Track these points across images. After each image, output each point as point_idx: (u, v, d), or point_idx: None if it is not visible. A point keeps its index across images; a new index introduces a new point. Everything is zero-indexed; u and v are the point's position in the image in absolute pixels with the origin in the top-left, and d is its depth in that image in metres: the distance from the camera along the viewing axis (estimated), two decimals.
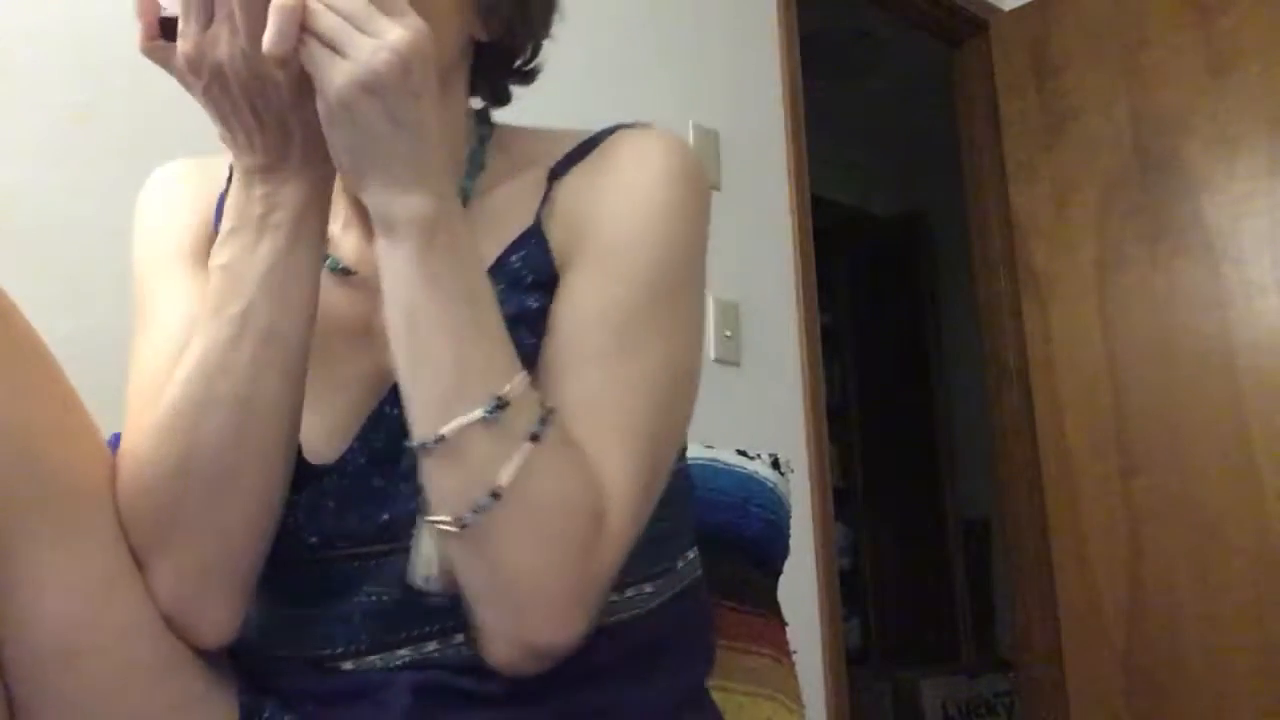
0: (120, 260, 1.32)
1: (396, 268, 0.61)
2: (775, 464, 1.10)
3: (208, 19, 0.60)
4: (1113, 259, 2.49)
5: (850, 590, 3.23)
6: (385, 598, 0.67)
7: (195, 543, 0.63)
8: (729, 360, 2.06)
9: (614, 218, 0.70)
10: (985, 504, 3.69)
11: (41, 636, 0.60)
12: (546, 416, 0.61)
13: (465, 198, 0.74)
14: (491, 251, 0.71)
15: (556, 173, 0.74)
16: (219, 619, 0.65)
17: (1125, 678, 2.35)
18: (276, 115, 0.61)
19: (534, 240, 0.71)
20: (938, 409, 4.31)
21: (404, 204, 0.60)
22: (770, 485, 1.07)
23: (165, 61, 0.63)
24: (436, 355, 0.60)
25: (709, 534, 1.01)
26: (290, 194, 0.63)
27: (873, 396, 4.25)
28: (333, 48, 0.57)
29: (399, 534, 0.67)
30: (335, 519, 0.68)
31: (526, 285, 0.70)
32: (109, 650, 0.62)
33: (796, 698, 0.98)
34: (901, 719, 3.56)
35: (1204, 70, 2.41)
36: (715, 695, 0.82)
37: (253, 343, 0.62)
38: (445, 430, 0.59)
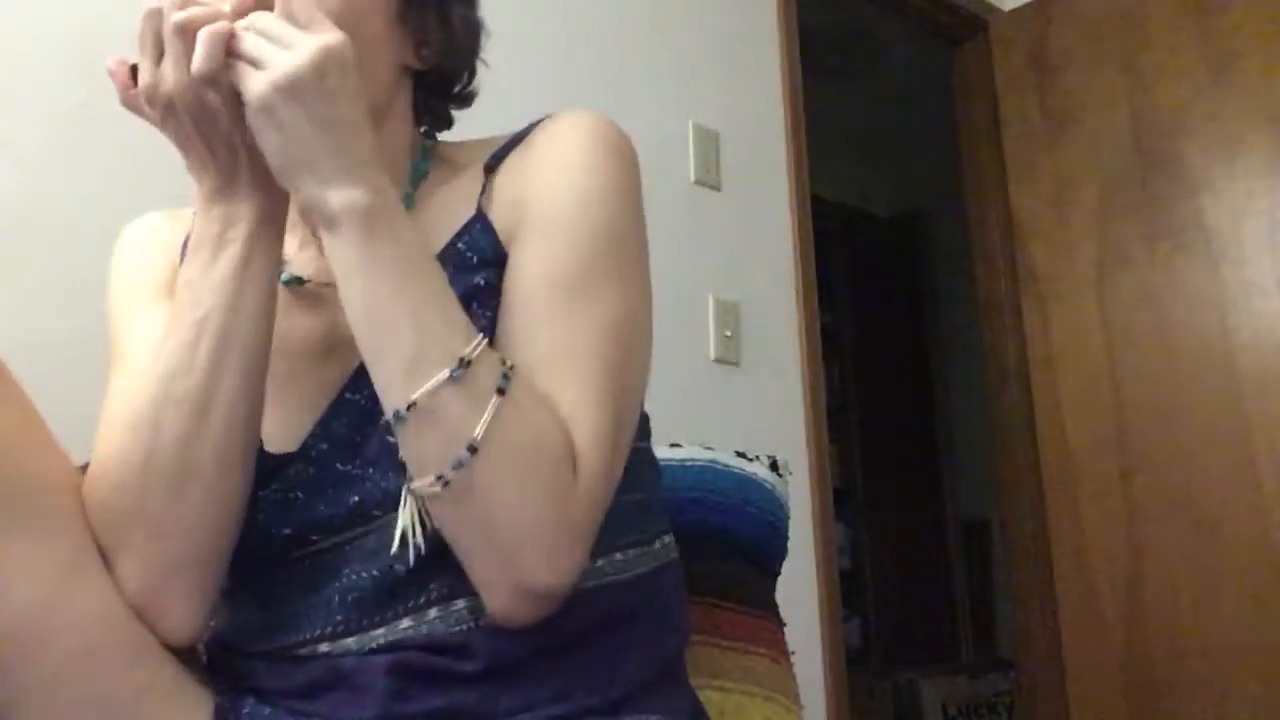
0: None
1: (343, 258, 0.65)
2: (774, 466, 1.10)
3: (158, 55, 0.66)
4: (1113, 259, 2.49)
5: (850, 590, 3.23)
6: (361, 575, 0.70)
7: (159, 539, 0.66)
8: (729, 360, 2.06)
9: (546, 188, 0.75)
10: (985, 504, 3.69)
11: (5, 620, 0.62)
12: (508, 372, 0.65)
13: (409, 204, 0.79)
14: (437, 244, 0.76)
15: (491, 166, 0.79)
16: (184, 615, 0.68)
17: (1125, 678, 2.35)
18: (224, 139, 0.67)
19: (477, 225, 0.76)
20: (938, 409, 4.31)
21: (336, 197, 0.64)
22: (769, 487, 1.08)
23: (139, 111, 0.68)
24: (396, 330, 0.64)
25: (708, 535, 1.01)
26: (244, 212, 0.68)
27: (873, 396, 4.25)
28: (252, 63, 0.63)
29: (370, 514, 0.70)
30: (305, 509, 0.71)
31: (473, 265, 0.74)
32: (72, 636, 0.64)
33: (795, 698, 0.98)
34: (901, 719, 3.56)
35: (1204, 70, 2.41)
36: (714, 695, 0.82)
37: (209, 345, 0.66)
38: (416, 396, 0.63)
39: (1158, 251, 2.42)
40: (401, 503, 0.67)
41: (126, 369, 0.75)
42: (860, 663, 3.70)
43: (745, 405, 2.06)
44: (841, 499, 3.42)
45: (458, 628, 0.68)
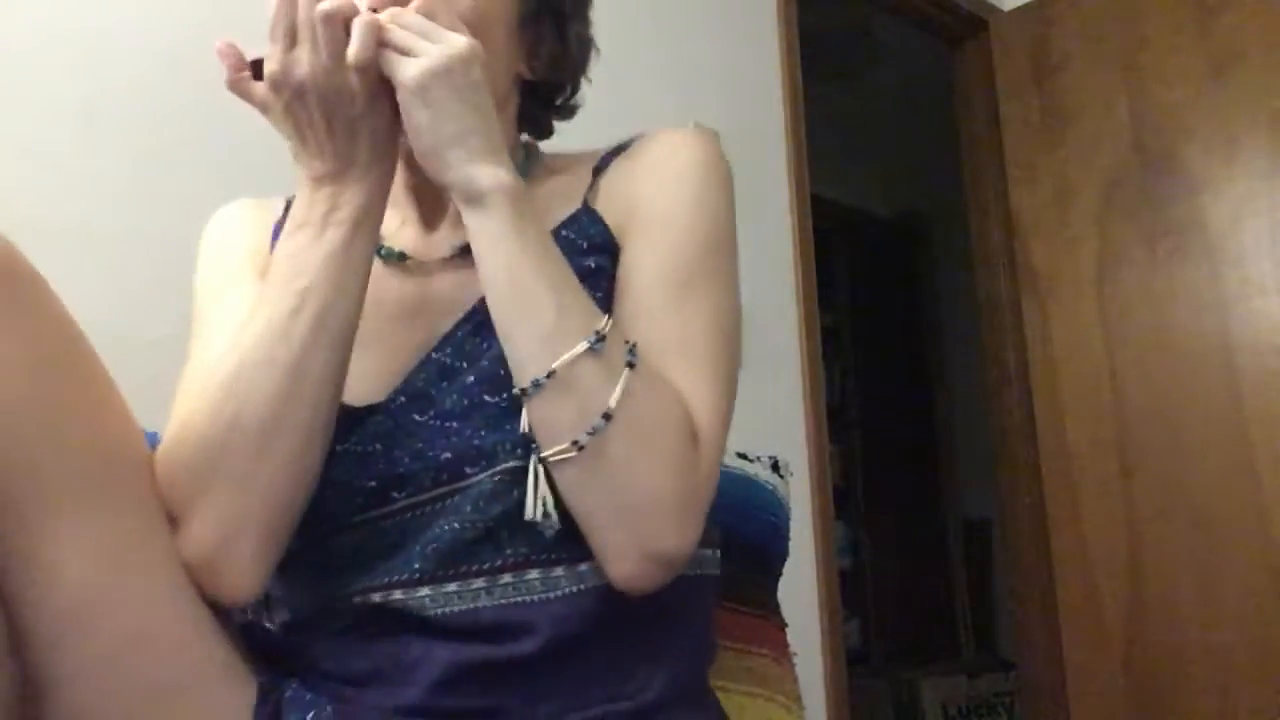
0: (120, 260, 1.32)
1: (491, 231, 0.70)
2: (775, 466, 1.10)
3: (291, 42, 0.69)
4: (1113, 259, 2.49)
5: (850, 590, 3.23)
6: (447, 528, 0.72)
7: (238, 494, 0.68)
8: None
9: (661, 191, 0.80)
10: (985, 504, 3.69)
11: (59, 601, 0.63)
12: (633, 348, 0.70)
13: None
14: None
15: (599, 168, 0.85)
16: (247, 573, 0.69)
17: (1125, 678, 2.36)
18: (347, 123, 0.70)
19: (584, 216, 0.81)
20: (938, 409, 4.31)
21: (487, 174, 0.69)
22: (770, 488, 1.08)
23: (246, 94, 0.72)
24: (538, 302, 0.69)
25: None
26: (352, 196, 0.72)
27: (873, 396, 4.25)
28: (404, 53, 0.68)
29: (462, 472, 0.72)
30: (386, 462, 0.74)
31: (582, 249, 0.78)
32: (127, 617, 0.65)
33: (796, 698, 0.98)
34: (901, 719, 3.56)
35: (1204, 70, 2.41)
36: (716, 696, 0.81)
37: (309, 315, 0.70)
38: (556, 365, 0.67)
39: (1158, 251, 2.42)
40: (532, 471, 0.69)
41: (212, 339, 0.78)
42: (860, 663, 3.70)
43: (745, 405, 2.05)
44: (841, 499, 3.43)
45: (527, 598, 0.70)
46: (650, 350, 0.72)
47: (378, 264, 0.79)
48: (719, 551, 0.84)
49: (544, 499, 0.69)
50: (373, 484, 0.73)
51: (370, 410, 0.75)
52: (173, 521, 0.69)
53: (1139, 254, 2.45)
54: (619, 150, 0.86)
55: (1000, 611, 3.95)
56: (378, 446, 0.74)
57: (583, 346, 0.67)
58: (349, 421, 0.74)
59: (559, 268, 0.71)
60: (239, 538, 0.69)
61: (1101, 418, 2.45)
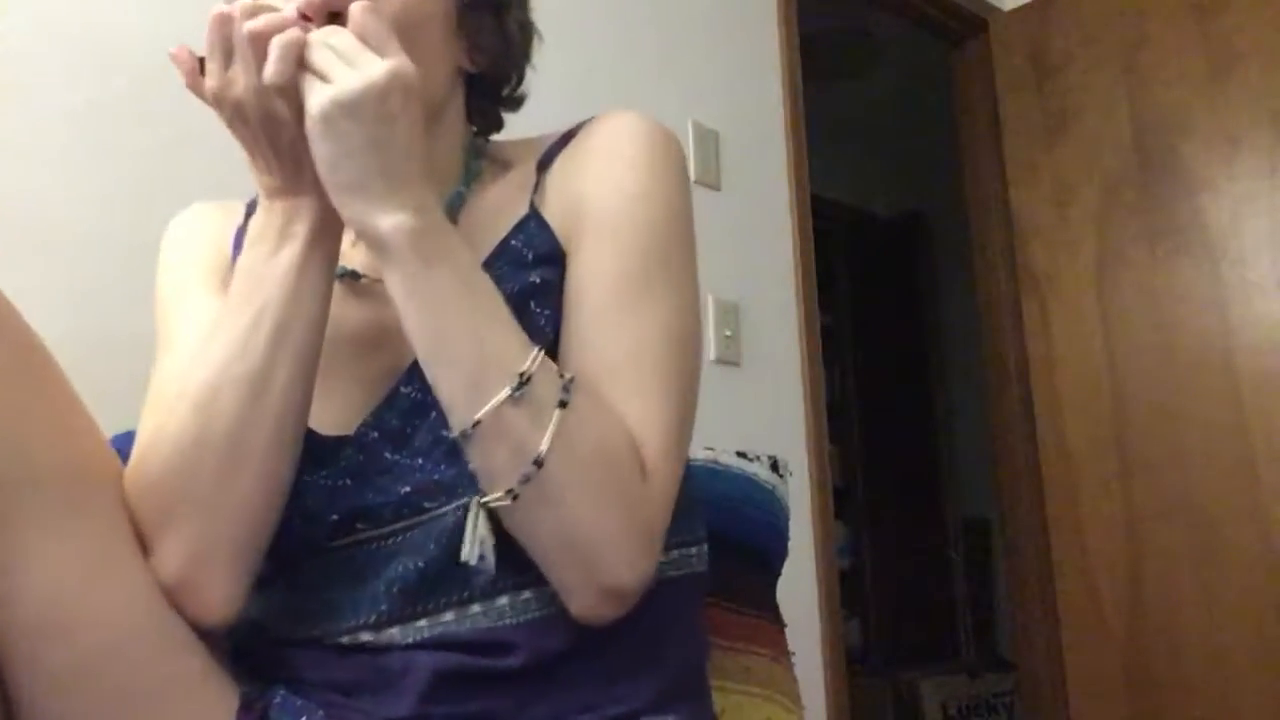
0: (119, 260, 1.32)
1: (397, 280, 0.67)
2: (774, 466, 1.10)
3: (227, 60, 0.67)
4: (1113, 259, 2.49)
5: (850, 590, 3.23)
6: (407, 566, 0.71)
7: (205, 517, 0.67)
8: (729, 360, 2.06)
9: (602, 191, 0.77)
10: (985, 504, 3.69)
11: (30, 611, 0.62)
12: (568, 384, 0.67)
13: (461, 202, 0.82)
14: (492, 240, 0.78)
15: (544, 164, 0.81)
16: (221, 596, 0.69)
17: (1125, 678, 2.36)
18: (288, 145, 0.68)
19: (532, 222, 0.78)
20: (938, 409, 4.31)
21: (386, 221, 0.66)
22: (769, 488, 1.07)
23: (205, 98, 0.70)
24: (454, 350, 0.66)
25: (708, 534, 1.01)
26: (307, 209, 0.70)
27: (873, 396, 4.25)
28: (320, 76, 0.65)
29: (420, 506, 0.72)
30: (355, 496, 0.73)
31: (528, 262, 0.76)
32: (99, 626, 0.64)
33: (795, 698, 0.98)
34: (901, 719, 3.56)
35: (1204, 70, 2.41)
36: (715, 696, 0.82)
37: (268, 331, 0.68)
38: (480, 415, 0.65)
39: (1158, 251, 2.42)
40: (471, 515, 0.68)
41: (176, 350, 0.77)
42: (860, 663, 3.70)
43: (745, 405, 2.06)
44: (841, 499, 3.42)
45: (500, 623, 0.70)
46: (600, 371, 0.70)
47: (335, 285, 0.77)
48: (704, 547, 0.83)
49: (481, 540, 0.67)
50: (335, 517, 0.73)
51: (341, 442, 0.74)
52: (143, 542, 0.68)
53: (1139, 254, 2.45)
54: (565, 140, 0.83)
55: (1000, 611, 3.95)
56: (347, 481, 0.74)
57: (505, 394, 0.65)
58: (320, 452, 0.73)
59: (479, 306, 0.68)
60: (210, 560, 0.68)
61: (1101, 418, 2.45)
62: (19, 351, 0.67)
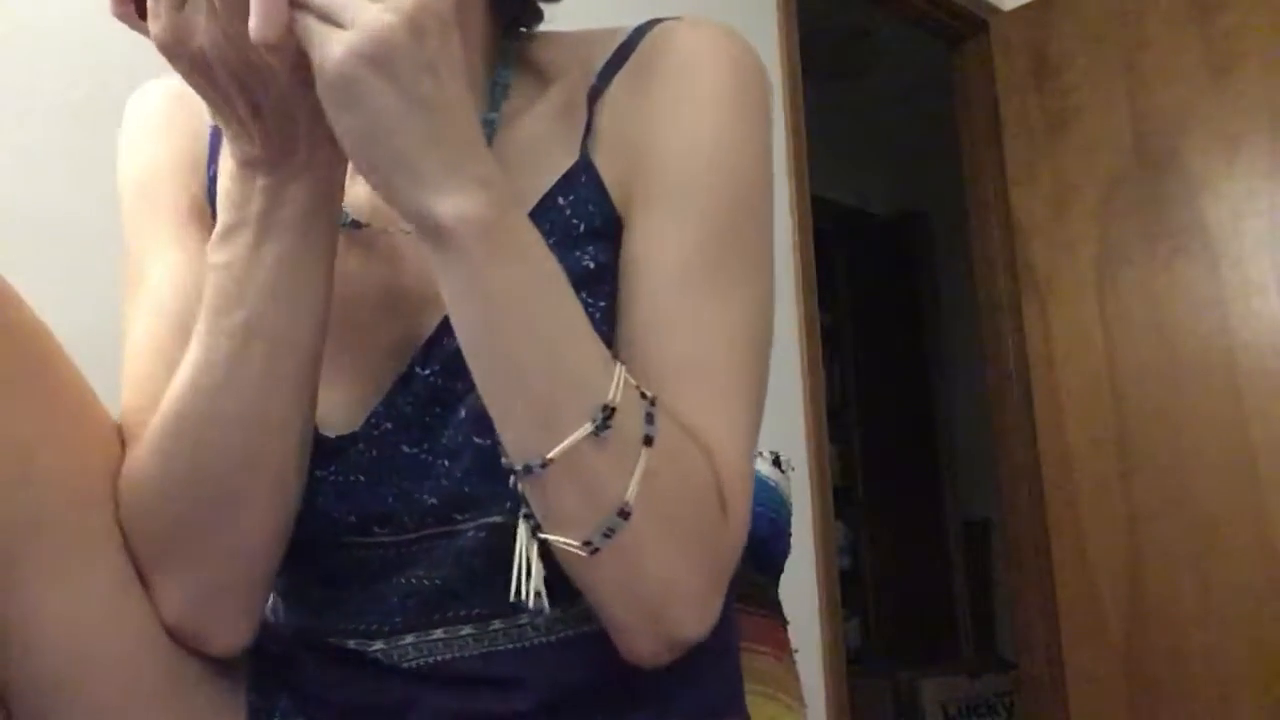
0: (120, 260, 1.32)
1: (455, 282, 0.52)
2: (776, 462, 1.10)
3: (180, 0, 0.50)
4: (1113, 259, 2.49)
5: (850, 590, 3.22)
6: (429, 581, 0.62)
7: (199, 566, 0.59)
8: None
9: (677, 146, 0.62)
10: (985, 504, 3.69)
11: (43, 668, 0.57)
12: (653, 411, 0.54)
13: (491, 131, 0.66)
14: (532, 193, 0.63)
15: (596, 91, 0.65)
16: (229, 633, 0.61)
17: (1125, 678, 2.35)
18: (276, 103, 0.52)
19: (583, 179, 0.63)
20: (938, 409, 4.31)
21: (446, 206, 0.50)
22: (771, 484, 1.07)
23: (139, 28, 0.53)
24: (525, 373, 0.52)
25: None
26: (298, 188, 0.54)
27: (873, 396, 4.25)
28: (328, 19, 0.47)
29: (448, 517, 0.61)
30: (370, 496, 0.62)
31: (578, 235, 0.62)
32: (112, 678, 0.58)
33: (798, 697, 0.98)
34: (901, 719, 3.56)
35: (1204, 70, 2.41)
36: None
37: (261, 356, 0.55)
38: (553, 454, 0.52)
39: (1158, 251, 2.42)
40: (524, 547, 0.56)
41: (145, 305, 0.65)
42: (860, 663, 3.70)
43: None
44: (841, 499, 3.42)
45: (520, 644, 0.62)
46: (665, 378, 0.57)
47: None
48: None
49: (536, 582, 0.55)
50: (352, 518, 0.62)
51: (351, 439, 0.62)
52: (142, 581, 0.59)
53: (1139, 254, 2.45)
54: (623, 56, 0.65)
55: (1000, 611, 3.95)
56: (360, 478, 0.62)
57: (586, 430, 0.51)
58: (327, 450, 0.62)
59: (557, 318, 0.53)
60: (211, 604, 0.60)
61: (1101, 418, 2.45)
62: (27, 365, 0.58)
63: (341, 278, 0.60)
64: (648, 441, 0.53)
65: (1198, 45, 2.42)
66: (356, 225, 0.65)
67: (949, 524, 4.22)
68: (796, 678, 1.01)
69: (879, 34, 3.53)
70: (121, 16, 0.53)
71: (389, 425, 0.62)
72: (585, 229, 0.62)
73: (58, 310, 1.27)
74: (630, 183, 0.62)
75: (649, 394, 0.55)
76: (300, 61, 0.50)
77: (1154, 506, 2.35)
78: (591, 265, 0.61)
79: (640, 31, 0.66)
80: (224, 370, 0.55)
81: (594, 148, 0.64)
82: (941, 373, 4.34)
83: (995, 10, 2.83)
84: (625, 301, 0.61)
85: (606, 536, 0.53)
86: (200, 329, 0.56)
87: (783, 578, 1.09)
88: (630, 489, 0.52)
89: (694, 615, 0.57)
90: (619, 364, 0.55)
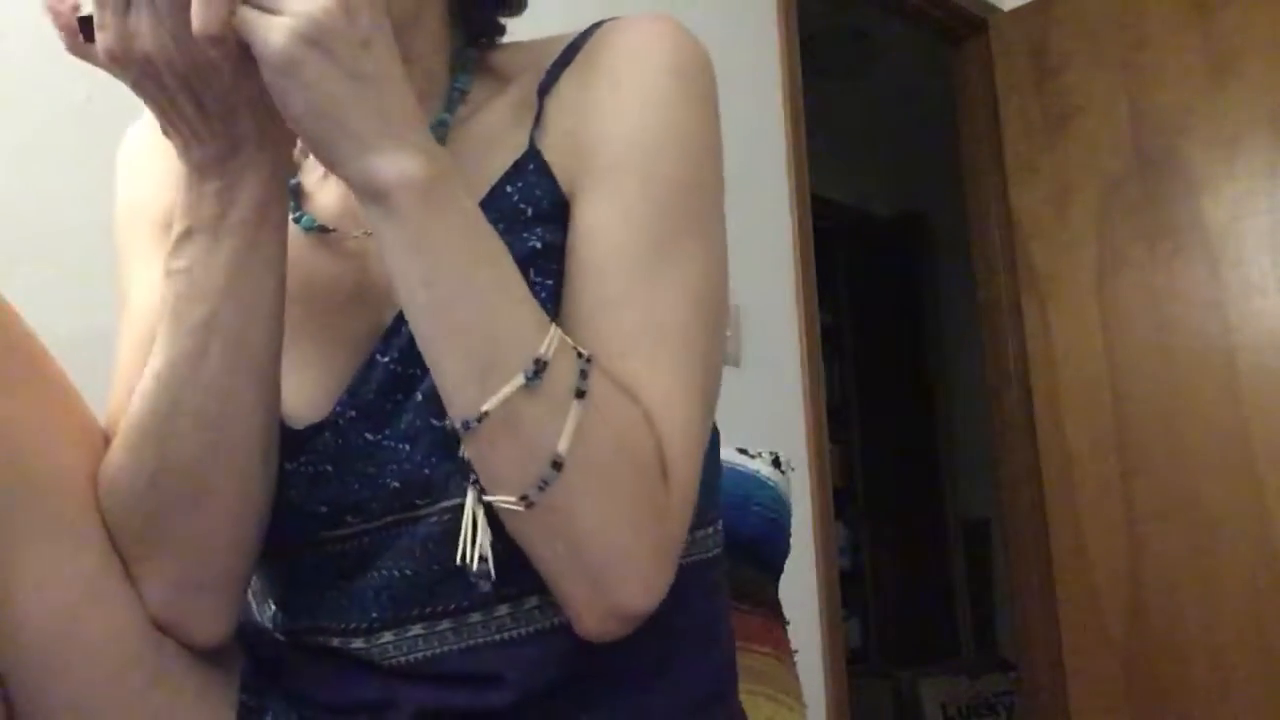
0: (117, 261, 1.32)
1: (396, 240, 0.55)
2: (776, 462, 1.10)
3: (125, 6, 0.53)
4: (1113, 259, 2.49)
5: (850, 590, 3.22)
6: (399, 573, 0.64)
7: (176, 559, 0.61)
8: (729, 360, 2.06)
9: (618, 130, 0.64)
10: (985, 504, 3.69)
11: (26, 647, 0.59)
12: (586, 367, 0.56)
13: (444, 133, 0.69)
14: (482, 184, 0.65)
15: (545, 87, 0.68)
16: (210, 624, 0.64)
17: (1125, 678, 2.36)
18: (220, 100, 0.55)
19: (531, 167, 0.65)
20: (938, 409, 4.32)
21: (386, 167, 0.53)
22: (771, 484, 1.07)
23: (91, 60, 0.56)
24: (461, 328, 0.55)
25: None
26: (246, 188, 0.57)
27: (873, 396, 4.25)
28: (264, 8, 0.51)
29: (411, 502, 0.63)
30: (339, 486, 0.64)
31: (527, 219, 0.64)
32: (97, 657, 0.60)
33: (798, 697, 0.98)
34: (901, 719, 3.56)
35: (1204, 70, 2.41)
36: None
37: (220, 351, 0.58)
38: (488, 406, 0.54)
39: (1158, 251, 2.42)
40: (468, 514, 0.58)
41: (129, 321, 0.69)
42: (860, 663, 3.70)
43: (745, 405, 2.06)
44: (841, 499, 3.42)
45: (499, 636, 0.63)
46: (613, 348, 0.59)
47: (299, 235, 0.67)
48: (720, 526, 0.73)
49: (481, 545, 0.58)
50: (324, 509, 0.64)
51: (316, 429, 0.64)
52: (127, 573, 0.62)
53: (1139, 254, 2.45)
54: (572, 52, 0.68)
55: (1000, 611, 3.95)
56: (328, 468, 0.64)
57: (519, 381, 0.54)
58: (295, 441, 0.64)
59: (490, 275, 0.56)
60: (191, 593, 0.62)
61: (1101, 418, 2.45)
62: (14, 356, 0.61)
63: (310, 278, 0.65)
64: (579, 395, 0.55)
65: (1198, 45, 2.42)
66: (324, 230, 0.69)
67: (949, 524, 4.22)
68: (796, 678, 1.01)
69: (879, 34, 3.54)
70: (74, 49, 0.57)
71: (353, 414, 0.64)
72: (533, 213, 0.64)
73: (61, 312, 1.28)
74: (575, 168, 0.65)
75: (585, 353, 0.57)
76: (242, 53, 0.53)
77: (1154, 507, 2.35)
78: (539, 245, 0.63)
79: (589, 31, 0.70)
80: (186, 366, 0.58)
81: (541, 138, 0.66)
82: (941, 373, 4.34)
83: (995, 10, 2.83)
84: (572, 279, 0.63)
85: (541, 490, 0.55)
86: (161, 331, 0.59)
87: (783, 578, 1.09)
88: (562, 441, 0.55)
89: (636, 581, 0.57)
90: (553, 324, 0.57)
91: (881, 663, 3.86)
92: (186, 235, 0.58)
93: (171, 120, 0.56)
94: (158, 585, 0.61)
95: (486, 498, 0.57)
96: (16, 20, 1.33)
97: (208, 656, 0.65)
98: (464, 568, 0.58)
